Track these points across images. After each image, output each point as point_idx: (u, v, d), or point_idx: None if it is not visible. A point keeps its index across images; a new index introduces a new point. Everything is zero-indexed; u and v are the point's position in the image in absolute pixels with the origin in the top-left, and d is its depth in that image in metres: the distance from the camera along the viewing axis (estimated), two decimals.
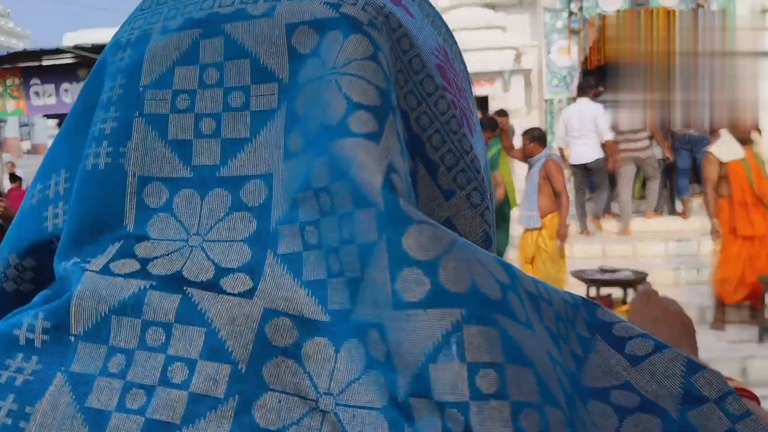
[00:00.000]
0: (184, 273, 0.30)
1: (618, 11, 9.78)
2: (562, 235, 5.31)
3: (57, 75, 7.42)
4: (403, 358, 0.26)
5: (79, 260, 0.32)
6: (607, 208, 8.21)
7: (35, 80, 7.50)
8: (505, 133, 6.42)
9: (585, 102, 7.49)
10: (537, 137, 5.42)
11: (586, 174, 7.78)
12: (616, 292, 5.54)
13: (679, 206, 8.11)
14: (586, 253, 7.21)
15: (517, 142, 6.45)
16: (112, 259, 0.31)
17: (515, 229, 6.25)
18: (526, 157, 5.54)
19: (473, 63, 8.58)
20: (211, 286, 0.29)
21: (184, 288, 0.29)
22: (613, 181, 7.81)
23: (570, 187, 6.73)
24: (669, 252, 7.22)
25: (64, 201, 0.35)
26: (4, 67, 7.49)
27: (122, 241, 0.32)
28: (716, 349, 5.20)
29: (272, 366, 0.28)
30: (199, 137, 0.32)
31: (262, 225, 0.30)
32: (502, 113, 6.92)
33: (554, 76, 10.10)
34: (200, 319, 0.29)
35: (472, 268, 0.27)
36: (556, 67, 10.07)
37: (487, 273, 0.27)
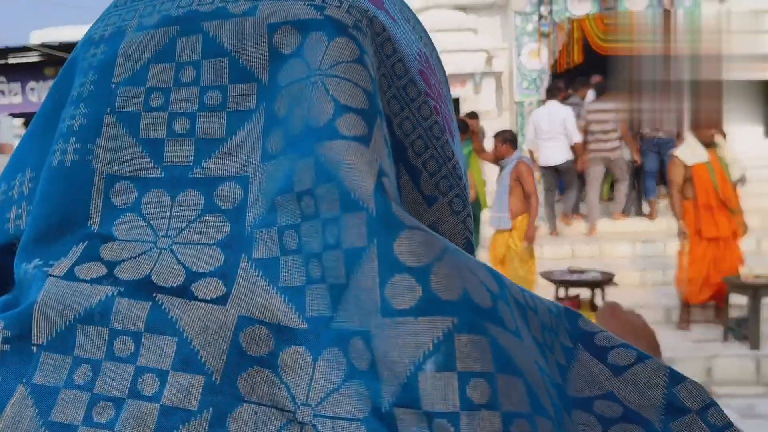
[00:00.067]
0: (153, 278, 0.29)
1: (587, 15, 9.91)
2: (529, 237, 5.37)
3: (23, 73, 7.30)
4: (389, 367, 0.25)
5: (41, 262, 0.30)
6: (576, 208, 8.33)
7: (1, 78, 7.37)
8: (476, 135, 6.47)
9: (554, 105, 7.60)
10: (508, 139, 5.48)
11: (556, 175, 7.89)
12: (584, 293, 5.62)
13: (646, 208, 8.26)
14: (556, 253, 7.30)
15: (488, 144, 6.50)
16: (76, 263, 0.30)
17: (486, 230, 6.30)
18: (497, 159, 5.59)
19: (445, 65, 8.57)
20: (182, 292, 0.28)
21: (154, 294, 0.28)
22: (582, 181, 7.93)
23: (540, 188, 6.81)
24: (636, 253, 7.35)
25: (28, 201, 0.34)
26: None
27: (86, 242, 0.30)
28: (682, 348, 5.30)
29: (248, 376, 0.27)
30: (172, 136, 0.32)
31: (237, 228, 0.30)
32: (473, 115, 6.97)
33: (525, 78, 10.20)
34: (171, 328, 0.28)
35: (463, 275, 0.26)
36: (527, 69, 10.17)
37: (478, 281, 0.27)
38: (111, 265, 0.29)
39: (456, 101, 9.30)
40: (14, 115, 8.80)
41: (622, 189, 8.02)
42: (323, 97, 0.30)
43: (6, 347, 0.28)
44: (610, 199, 8.28)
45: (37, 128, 0.36)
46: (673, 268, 5.98)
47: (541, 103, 8.69)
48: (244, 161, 0.31)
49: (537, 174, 6.59)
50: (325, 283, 0.27)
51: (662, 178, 7.51)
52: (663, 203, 7.68)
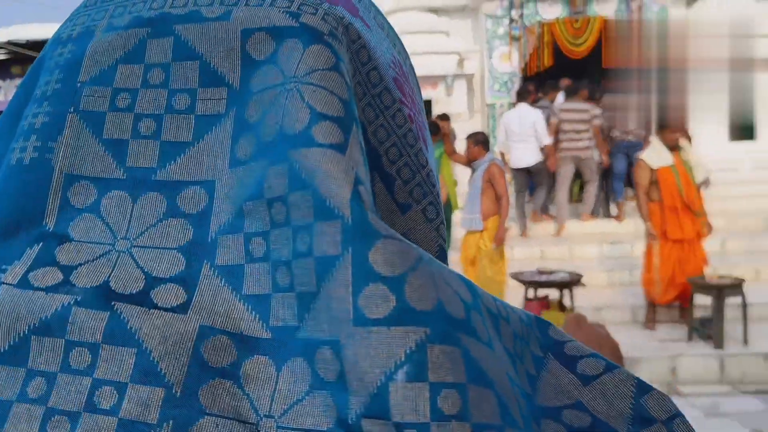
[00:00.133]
0: (111, 284, 0.28)
1: (557, 19, 10.02)
2: (499, 239, 5.42)
3: None
4: (359, 377, 0.25)
5: None
6: (545, 208, 8.42)
7: None
8: (447, 137, 6.49)
9: (524, 107, 7.68)
10: (481, 141, 5.51)
11: (527, 177, 7.96)
12: (553, 293, 5.68)
13: (614, 209, 8.38)
14: (526, 255, 7.37)
15: (459, 146, 6.53)
16: (31, 267, 0.29)
17: (457, 232, 6.33)
18: (469, 160, 5.62)
19: (417, 67, 8.57)
20: (142, 300, 0.28)
21: (113, 303, 0.28)
22: (554, 180, 8.02)
23: (511, 190, 6.86)
24: (603, 254, 7.45)
25: None
26: None
27: (41, 243, 0.29)
28: (647, 348, 5.39)
29: (209, 388, 0.26)
30: (137, 138, 0.31)
31: (200, 234, 0.29)
32: (444, 117, 7.00)
33: (496, 81, 10.27)
34: (130, 339, 0.27)
35: (437, 285, 0.26)
36: (498, 72, 10.24)
37: (451, 291, 0.27)
38: (67, 270, 0.29)
39: (428, 103, 9.33)
40: None
41: (591, 190, 8.13)
42: (298, 105, 0.29)
43: None
44: (579, 200, 8.39)
45: (3, 127, 0.35)
46: (639, 269, 6.07)
47: (512, 105, 8.77)
48: (211, 166, 0.30)
49: (508, 176, 6.65)
50: (294, 292, 0.27)
51: (630, 181, 7.64)
52: (630, 205, 7.80)
